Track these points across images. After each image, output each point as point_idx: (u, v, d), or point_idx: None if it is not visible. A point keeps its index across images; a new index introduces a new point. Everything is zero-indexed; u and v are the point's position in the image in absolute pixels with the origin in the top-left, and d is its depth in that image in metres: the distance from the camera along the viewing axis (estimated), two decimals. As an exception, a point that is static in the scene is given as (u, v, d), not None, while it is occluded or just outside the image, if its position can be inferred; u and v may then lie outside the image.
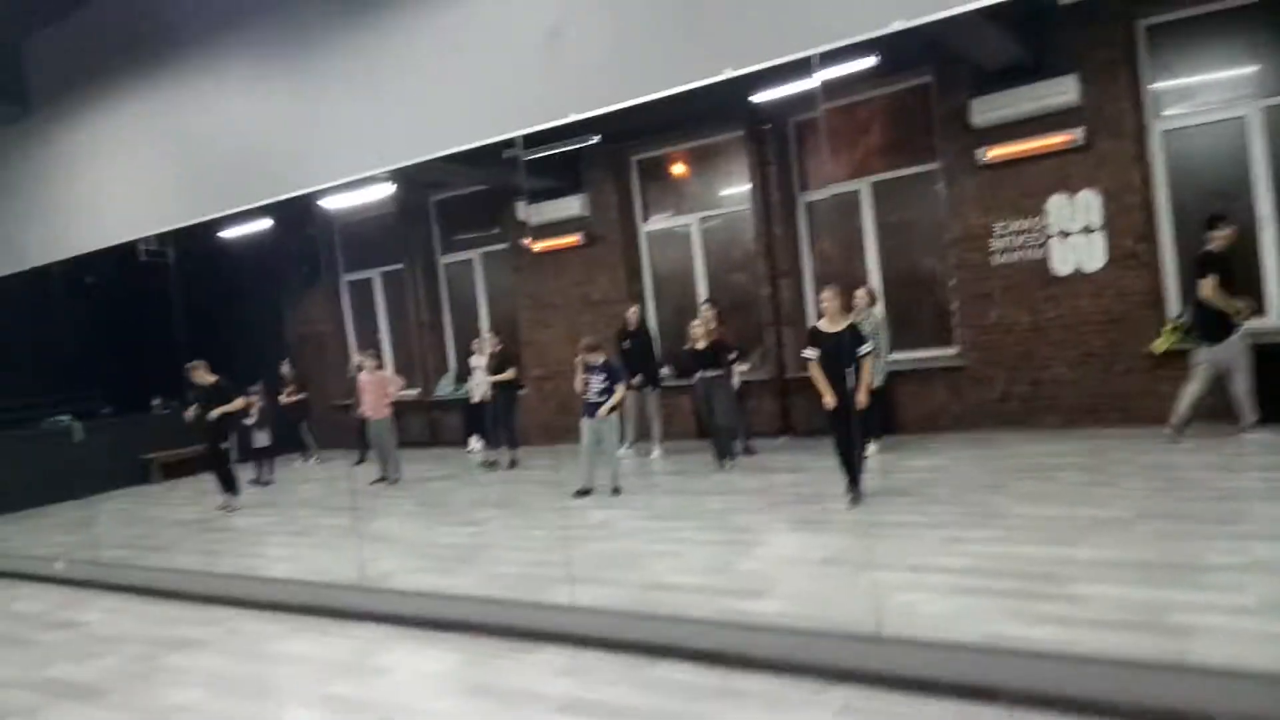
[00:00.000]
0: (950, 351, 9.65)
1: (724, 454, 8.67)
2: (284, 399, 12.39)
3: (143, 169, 6.91)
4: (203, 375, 9.76)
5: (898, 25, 3.62)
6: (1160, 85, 8.62)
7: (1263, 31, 8.15)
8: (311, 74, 5.70)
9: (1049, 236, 8.87)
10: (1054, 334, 8.91)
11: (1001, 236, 9.12)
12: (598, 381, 8.04)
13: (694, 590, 5.15)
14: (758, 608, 4.71)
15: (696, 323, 8.91)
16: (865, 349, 6.78)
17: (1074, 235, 8.77)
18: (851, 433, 6.73)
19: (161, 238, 13.45)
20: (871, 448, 8.57)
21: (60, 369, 12.23)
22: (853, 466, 6.72)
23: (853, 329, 6.85)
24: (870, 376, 6.81)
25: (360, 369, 10.68)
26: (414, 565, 6.48)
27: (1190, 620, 3.94)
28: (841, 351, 6.69)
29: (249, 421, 11.03)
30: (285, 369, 12.69)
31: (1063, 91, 8.49)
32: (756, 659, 3.95)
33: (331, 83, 5.60)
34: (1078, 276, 8.78)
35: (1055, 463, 7.46)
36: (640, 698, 3.87)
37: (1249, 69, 8.30)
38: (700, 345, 8.76)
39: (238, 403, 9.79)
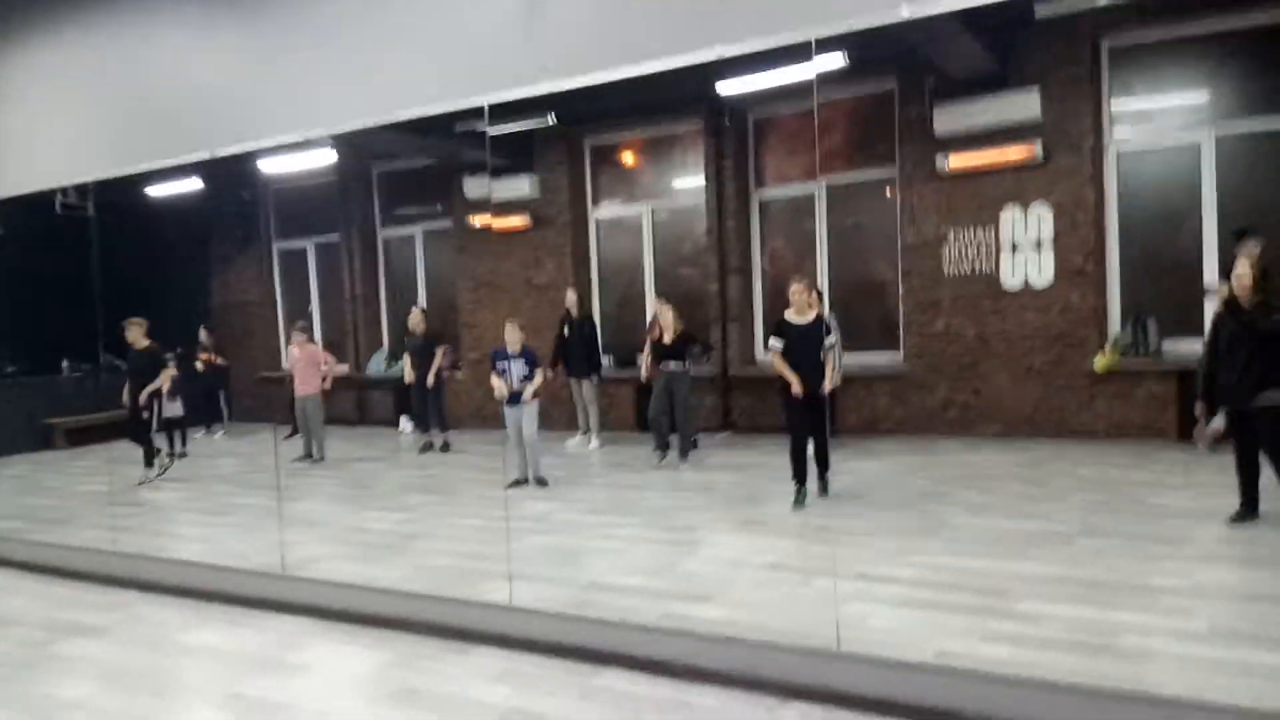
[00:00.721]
0: (895, 357, 9.62)
1: (679, 450, 8.51)
2: (199, 366, 11.80)
3: (74, 111, 6.40)
4: (138, 337, 9.18)
5: (905, 13, 3.43)
6: (1120, 107, 8.68)
7: (1221, 61, 8.27)
8: (265, 20, 5.31)
9: (1000, 249, 8.88)
10: (998, 346, 8.93)
11: (954, 246, 9.10)
12: (519, 367, 7.75)
13: (636, 592, 4.93)
14: (704, 613, 4.52)
15: (664, 309, 8.63)
16: (830, 341, 6.76)
17: (1024, 249, 8.79)
18: (809, 428, 6.63)
19: (81, 189, 12.76)
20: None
21: (-37, 324, 11.43)
22: (802, 465, 6.61)
23: (819, 320, 6.76)
24: (834, 370, 6.76)
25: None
26: (338, 552, 6.14)
27: (1143, 644, 3.88)
28: (808, 343, 6.63)
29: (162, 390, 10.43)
30: (202, 335, 12.10)
31: (1025, 105, 8.47)
32: (706, 670, 3.76)
33: (286, 32, 5.22)
34: (1026, 290, 8.80)
35: (996, 472, 7.46)
36: (583, 709, 3.63)
37: (1205, 97, 8.41)
38: (667, 338, 8.49)
39: (165, 376, 9.23)
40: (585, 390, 9.90)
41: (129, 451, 9.30)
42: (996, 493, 6.73)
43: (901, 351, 9.57)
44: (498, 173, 11.67)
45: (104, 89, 6.12)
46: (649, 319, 9.60)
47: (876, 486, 7.14)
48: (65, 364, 12.47)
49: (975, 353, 9.01)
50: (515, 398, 7.73)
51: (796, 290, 6.77)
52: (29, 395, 12.09)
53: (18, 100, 6.73)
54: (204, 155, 5.49)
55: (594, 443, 10.00)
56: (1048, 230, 8.67)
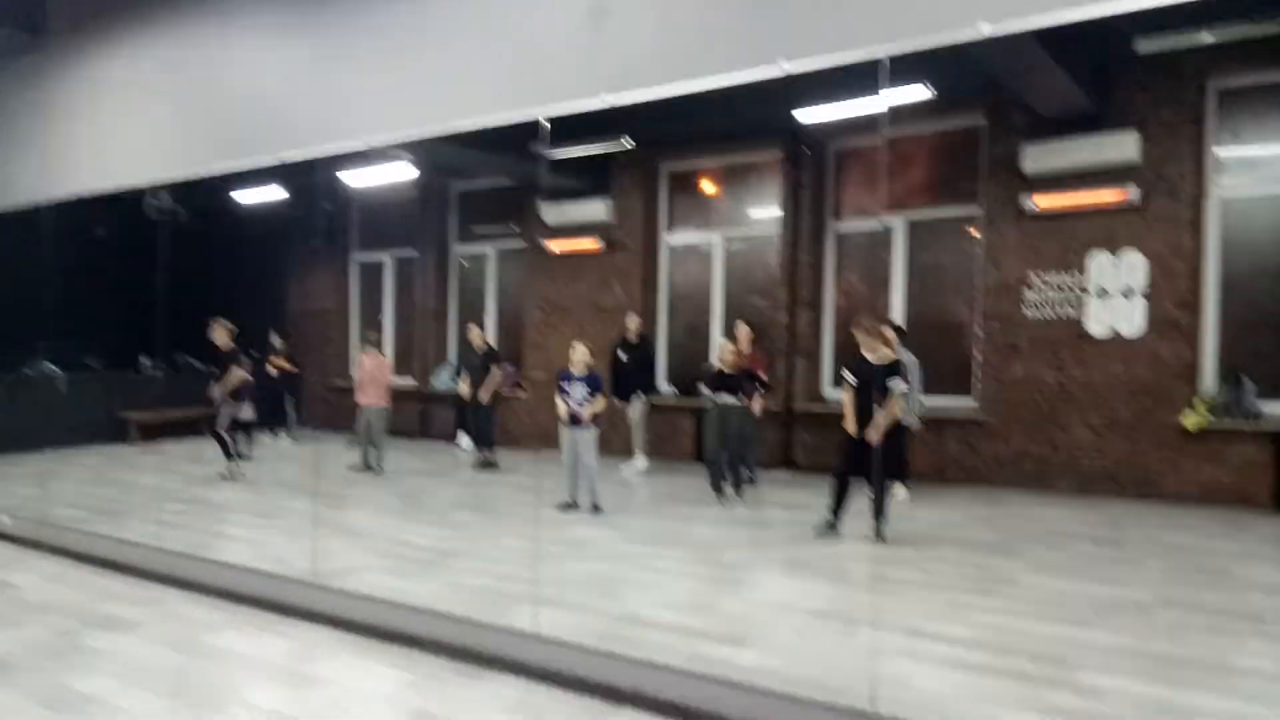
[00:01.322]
0: (969, 403, 9.20)
1: (730, 484, 8.18)
2: (271, 371, 11.99)
3: (151, 113, 6.55)
4: (222, 338, 9.39)
5: (985, 30, 3.19)
6: (1226, 152, 8.18)
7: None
8: (337, 29, 5.34)
9: (1087, 295, 8.43)
10: (1079, 396, 8.46)
11: (1037, 290, 8.68)
12: (580, 390, 7.62)
13: (670, 629, 4.70)
14: (737, 658, 4.27)
15: (726, 344, 8.40)
16: (897, 385, 6.60)
17: (1113, 296, 8.32)
18: (856, 467, 6.57)
19: (175, 195, 13.24)
20: (901, 494, 8.18)
21: (58, 318, 11.87)
22: (842, 501, 6.63)
23: (892, 363, 6.67)
24: (894, 415, 6.61)
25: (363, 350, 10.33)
26: (376, 564, 6.06)
27: (1220, 733, 3.49)
28: (873, 384, 6.57)
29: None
30: (275, 340, 12.31)
31: (1122, 146, 8.07)
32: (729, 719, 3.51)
33: (357, 40, 5.23)
34: (1112, 339, 8.33)
35: (1069, 530, 6.99)
36: (592, 749, 3.43)
37: (1319, 144, 7.88)
38: (727, 369, 8.23)
39: (237, 377, 9.40)
40: (636, 411, 9.73)
41: (193, 449, 9.50)
42: (1067, 552, 6.29)
43: (976, 397, 9.15)
44: (573, 195, 11.67)
45: (182, 92, 6.25)
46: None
47: (939, 536, 6.76)
48: (144, 361, 12.88)
49: (1054, 402, 8.55)
50: (575, 420, 7.61)
51: (859, 331, 6.79)
52: (110, 389, 12.50)
53: (96, 102, 6.94)
54: (270, 161, 5.53)
55: (640, 464, 9.80)
56: (1140, 277, 8.20)
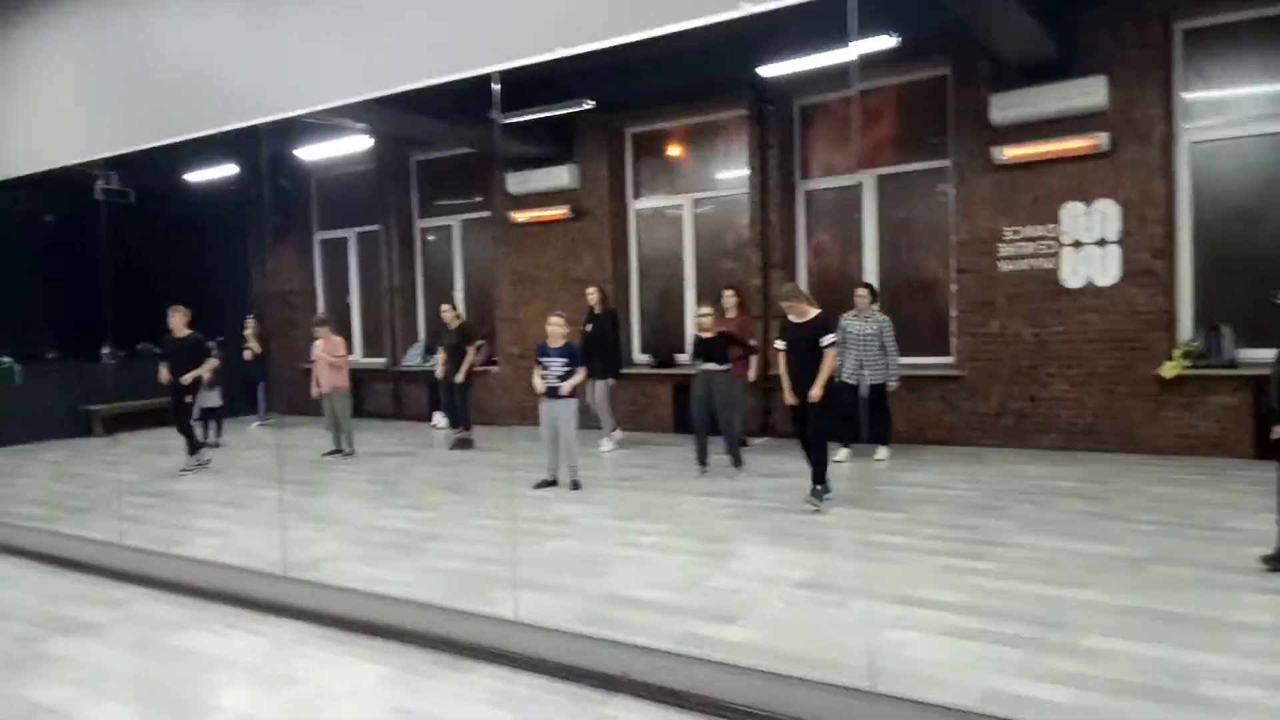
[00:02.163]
0: (946, 360, 9.12)
1: (729, 454, 8.01)
2: (247, 356, 11.65)
3: (85, 88, 6.24)
4: (179, 325, 9.05)
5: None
6: (1193, 94, 8.07)
7: (1308, 44, 7.63)
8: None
9: (1061, 246, 8.33)
10: (1058, 349, 8.39)
11: (1011, 242, 8.57)
12: (558, 364, 7.43)
13: (657, 608, 4.57)
14: (728, 635, 4.14)
15: (704, 309, 8.03)
16: (827, 339, 6.53)
17: (1088, 246, 8.23)
18: (809, 429, 6.55)
19: (125, 177, 12.77)
20: (883, 452, 8.11)
21: (9, 309, 11.45)
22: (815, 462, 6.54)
23: (818, 320, 6.59)
24: (829, 368, 6.53)
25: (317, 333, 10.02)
26: (349, 552, 5.87)
27: (1222, 692, 3.41)
28: (805, 343, 6.51)
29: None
30: (250, 324, 11.94)
31: (1090, 92, 7.93)
32: (724, 703, 3.37)
33: (288, 5, 4.93)
34: (1088, 290, 8.25)
35: (1055, 486, 6.93)
36: (583, 741, 3.29)
37: (1290, 83, 7.78)
38: (706, 334, 7.89)
39: (208, 365, 9.09)
40: (598, 391, 9.49)
41: (159, 440, 9.21)
42: (1055, 509, 6.22)
43: (953, 354, 9.06)
44: (537, 162, 11.38)
45: (108, 66, 5.94)
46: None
47: (923, 499, 6.67)
48: (105, 350, 12.47)
49: (1032, 356, 8.47)
50: (552, 393, 7.42)
51: (787, 292, 6.75)
52: (70, 381, 12.12)
53: (23, 79, 6.58)
54: (208, 131, 5.25)
55: (616, 435, 9.64)
56: (1113, 226, 8.10)
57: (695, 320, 8.21)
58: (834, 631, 4.16)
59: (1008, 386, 8.60)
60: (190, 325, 9.16)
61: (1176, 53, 8.05)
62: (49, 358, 12.43)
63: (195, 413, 9.49)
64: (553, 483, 7.53)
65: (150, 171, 12.21)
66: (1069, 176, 8.26)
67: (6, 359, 11.71)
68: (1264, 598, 4.35)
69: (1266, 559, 4.72)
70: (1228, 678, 3.51)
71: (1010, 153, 8.40)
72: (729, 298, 8.81)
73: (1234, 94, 8.00)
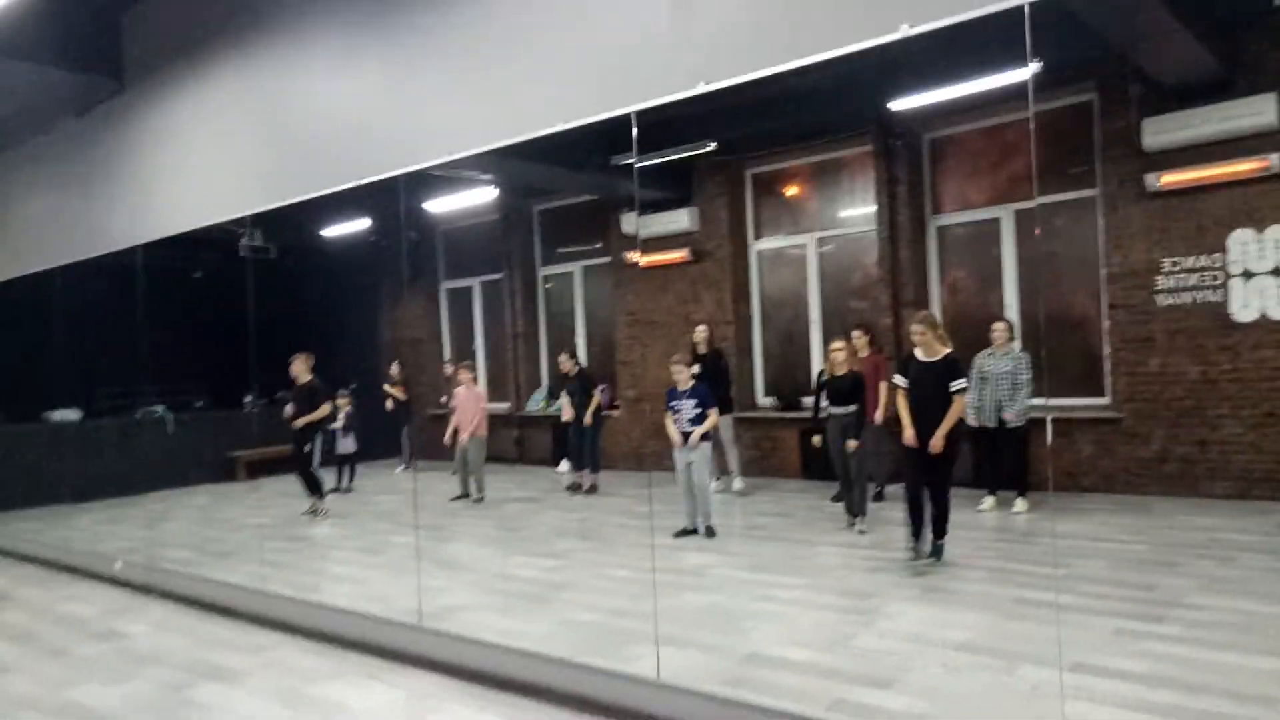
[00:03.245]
0: (1101, 401, 8.51)
1: (853, 510, 7.44)
2: (389, 405, 11.95)
3: (232, 148, 6.51)
4: (301, 371, 9.37)
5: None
6: (1380, 106, 7.38)
7: None
8: (404, 46, 5.15)
9: (1229, 277, 7.69)
10: (1228, 388, 7.70)
11: (1170, 274, 7.97)
12: (689, 407, 7.26)
13: (804, 669, 4.29)
14: (885, 702, 3.84)
15: (837, 345, 7.53)
16: (958, 385, 5.96)
17: (1260, 276, 7.56)
18: (925, 477, 6.02)
19: (266, 234, 13.45)
20: (1020, 504, 7.56)
21: (162, 360, 12.13)
22: (919, 517, 6.03)
23: (948, 361, 6.01)
24: (956, 416, 5.93)
25: (454, 380, 10.17)
26: (482, 601, 5.81)
27: None
28: (930, 384, 5.97)
29: (335, 426, 10.63)
30: (395, 369, 12.26)
31: (1258, 111, 7.34)
32: (889, 783, 3.09)
33: (428, 53, 5.02)
34: (1262, 324, 7.56)
35: (1233, 540, 6.29)
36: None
37: None
38: (838, 373, 7.41)
39: (321, 411, 9.34)
40: (721, 430, 9.25)
41: (297, 485, 9.46)
42: (1240, 566, 5.63)
43: (1108, 394, 8.45)
44: (657, 206, 11.38)
45: (259, 126, 6.18)
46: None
47: (1084, 553, 6.15)
48: (248, 399, 13.06)
49: (1199, 396, 7.81)
50: (686, 438, 7.27)
51: (917, 330, 6.12)
52: (217, 428, 12.73)
53: (172, 142, 6.94)
54: (348, 185, 5.36)
55: (737, 484, 9.38)
56: (1290, 254, 7.43)
57: (829, 356, 7.78)
58: (1004, 701, 3.80)
59: (1171, 429, 7.94)
60: (312, 371, 9.41)
61: (1356, 63, 7.39)
62: (197, 406, 13.10)
63: (317, 459, 9.72)
64: (693, 531, 7.33)
65: (290, 228, 12.86)
66: (1235, 202, 7.64)
67: (159, 408, 12.38)
68: None
69: None
70: None
71: (1167, 179, 7.85)
72: (859, 337, 8.44)
73: None
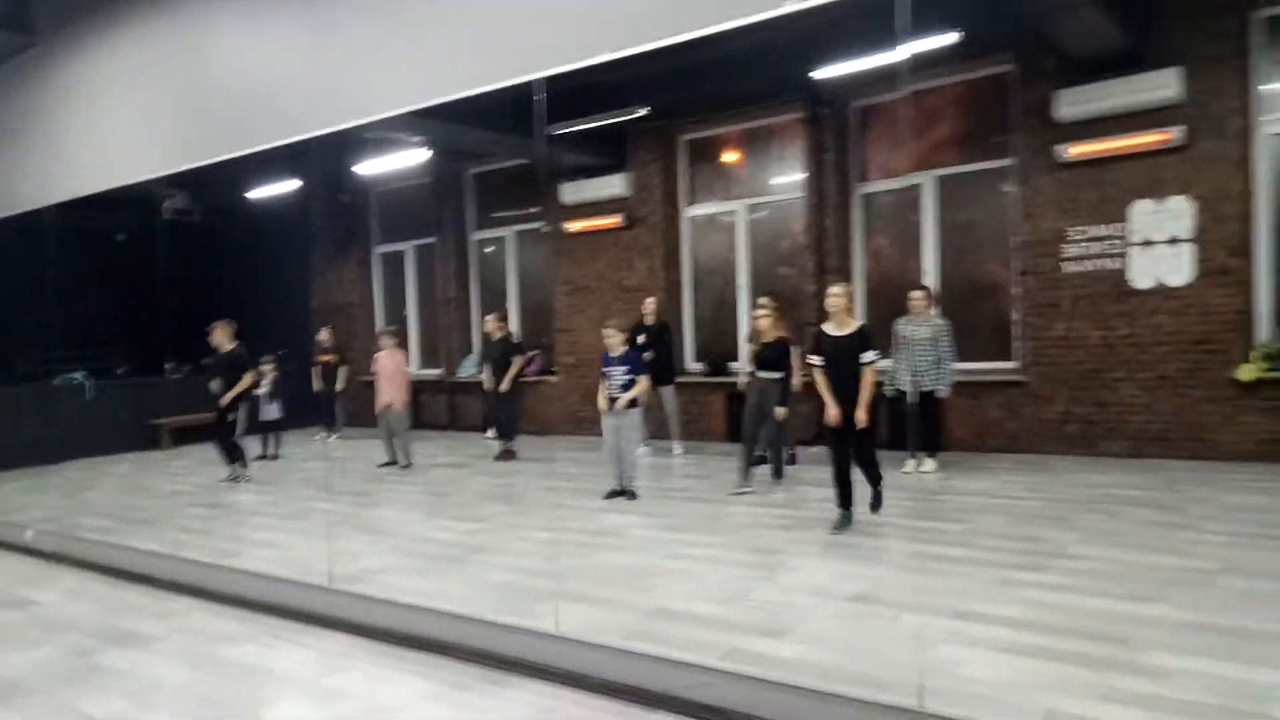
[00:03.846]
0: (1009, 365, 8.84)
1: (771, 469, 7.74)
2: (319, 369, 11.86)
3: (147, 106, 6.39)
4: (222, 339, 9.21)
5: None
6: (1271, 85, 7.70)
7: (1395, 26, 7.22)
8: (322, 6, 5.11)
9: (1129, 245, 8.02)
10: (1126, 352, 8.07)
11: (1076, 242, 8.27)
12: (620, 373, 7.38)
13: (704, 622, 4.48)
14: (776, 650, 4.03)
15: (762, 313, 7.67)
16: (868, 357, 5.92)
17: (1158, 245, 7.90)
18: (850, 450, 6.06)
19: (190, 195, 13.15)
20: (930, 464, 7.84)
21: (82, 326, 11.87)
22: (845, 488, 6.10)
23: (861, 332, 6.01)
24: (872, 389, 5.91)
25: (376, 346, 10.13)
26: (400, 564, 5.89)
27: (1306, 717, 3.19)
28: (845, 359, 5.95)
29: (260, 392, 10.53)
30: (323, 335, 12.14)
31: (1163, 85, 7.63)
32: (767, 723, 3.27)
33: (346, 14, 4.99)
34: (1159, 291, 7.92)
35: (1123, 495, 6.65)
36: (622, 761, 3.21)
37: (1375, 68, 7.37)
38: (765, 340, 7.57)
39: (245, 383, 9.22)
40: (664, 399, 9.49)
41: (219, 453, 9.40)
42: (1123, 519, 5.96)
43: (1015, 359, 8.78)
44: (590, 171, 11.40)
45: (171, 84, 6.08)
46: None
47: (984, 509, 6.45)
48: (169, 365, 12.85)
49: (1099, 360, 8.16)
50: (614, 403, 7.39)
51: (835, 293, 6.09)
52: (139, 395, 12.51)
53: (88, 99, 6.78)
54: (268, 145, 5.32)
55: (677, 449, 9.61)
56: (1186, 224, 7.77)
57: (752, 323, 7.92)
58: (885, 647, 4.02)
59: (1073, 392, 8.30)
60: (236, 338, 9.27)
61: (1254, 43, 7.69)
62: (118, 373, 12.86)
63: (241, 428, 9.66)
64: (621, 492, 7.48)
65: (215, 189, 12.60)
66: (1138, 173, 7.95)
67: (78, 374, 12.14)
68: (1351, 615, 4.08)
69: None
70: (1309, 701, 3.29)
71: (1076, 150, 8.13)
72: (761, 313, 8.42)
73: (1314, 82, 7.62)
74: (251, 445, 10.01)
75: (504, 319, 10.47)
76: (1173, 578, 4.71)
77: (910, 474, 7.75)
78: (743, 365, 8.34)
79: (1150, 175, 7.90)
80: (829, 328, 6.13)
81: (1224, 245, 7.65)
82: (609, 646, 3.99)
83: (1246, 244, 7.68)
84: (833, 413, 5.97)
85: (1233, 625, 4.04)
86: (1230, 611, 4.20)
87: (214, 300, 10.19)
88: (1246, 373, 7.50)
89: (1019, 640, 3.99)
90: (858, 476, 6.13)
